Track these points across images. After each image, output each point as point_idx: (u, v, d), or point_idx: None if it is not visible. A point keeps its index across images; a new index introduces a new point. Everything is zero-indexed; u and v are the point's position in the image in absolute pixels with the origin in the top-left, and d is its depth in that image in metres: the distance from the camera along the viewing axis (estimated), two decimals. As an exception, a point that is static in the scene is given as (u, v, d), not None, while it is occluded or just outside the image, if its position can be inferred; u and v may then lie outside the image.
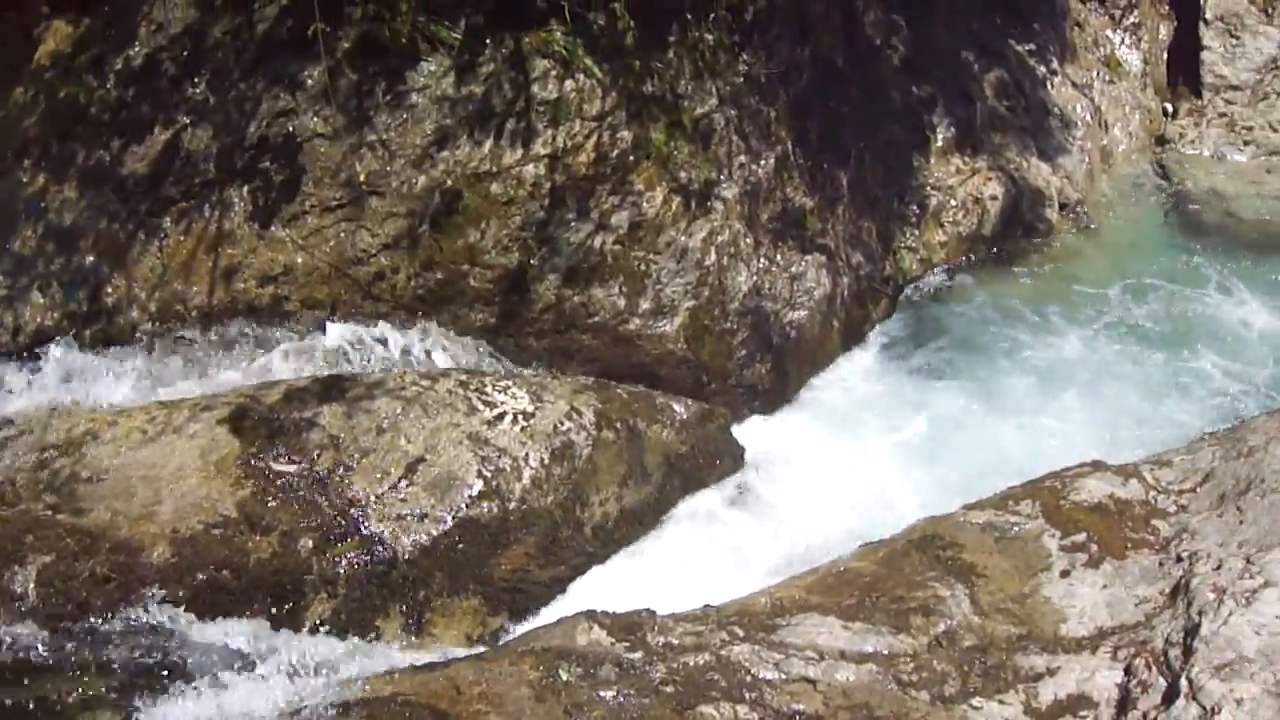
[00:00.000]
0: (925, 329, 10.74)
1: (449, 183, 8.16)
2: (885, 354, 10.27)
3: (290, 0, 7.92)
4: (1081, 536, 6.81)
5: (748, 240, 8.98)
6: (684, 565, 7.60)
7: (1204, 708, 5.15)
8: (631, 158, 8.44)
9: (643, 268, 8.47)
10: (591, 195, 8.33)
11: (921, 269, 11.38)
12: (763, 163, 9.21)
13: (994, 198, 11.93)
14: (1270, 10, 17.98)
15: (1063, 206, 12.85)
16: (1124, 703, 5.53)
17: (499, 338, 8.41)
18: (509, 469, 7.15)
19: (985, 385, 10.00)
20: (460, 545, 6.91)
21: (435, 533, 6.86)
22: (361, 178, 8.08)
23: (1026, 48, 13.79)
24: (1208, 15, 17.75)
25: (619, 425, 7.67)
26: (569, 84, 8.30)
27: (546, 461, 7.26)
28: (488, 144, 8.20)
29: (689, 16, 8.73)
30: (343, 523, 6.78)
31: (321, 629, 6.55)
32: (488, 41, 8.19)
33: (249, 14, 8.02)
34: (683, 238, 8.58)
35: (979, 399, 9.77)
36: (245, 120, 8.05)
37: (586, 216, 8.33)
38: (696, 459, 8.09)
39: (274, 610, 6.52)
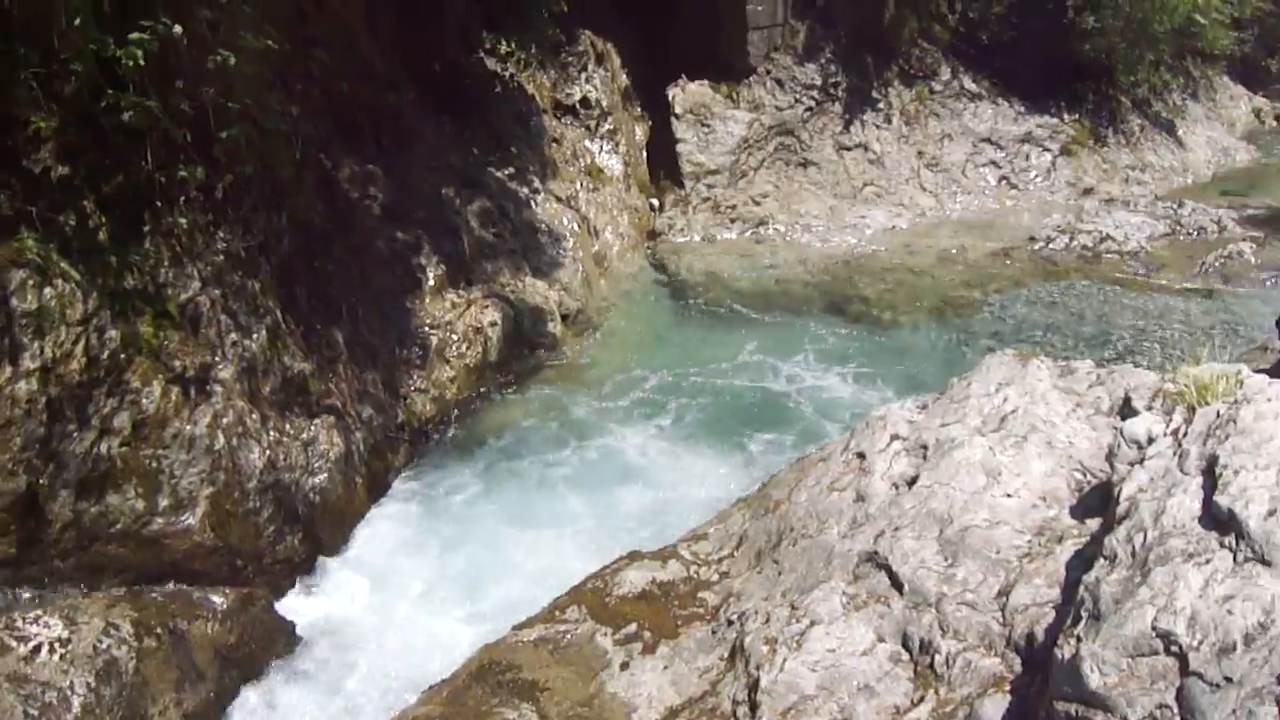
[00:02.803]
0: (449, 465, 11.32)
1: (-60, 415, 8.09)
2: (413, 498, 10.75)
3: None
4: (633, 627, 7.54)
5: (254, 417, 9.33)
6: (257, 754, 7.88)
7: (777, 754, 5.91)
8: (123, 356, 8.63)
9: (154, 465, 8.65)
10: (90, 401, 8.45)
11: (435, 408, 11.95)
12: (255, 336, 9.60)
13: (494, 324, 12.69)
14: (735, 96, 19.84)
15: (565, 317, 13.76)
16: (703, 772, 6.22)
17: (23, 567, 8.29)
18: (56, 702, 7.16)
19: (518, 505, 10.67)
20: (20, 795, 6.88)
21: (-11, 790, 6.81)
22: None
23: (507, 172, 14.78)
24: (678, 110, 19.44)
25: (159, 631, 7.83)
26: (49, 291, 8.36)
27: (93, 685, 7.32)
28: (-27, 367, 8.20)
29: (159, 204, 9.01)
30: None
31: None
32: (-42, 261, 8.21)
33: None
34: (188, 427, 8.84)
35: (513, 520, 10.39)
36: None
37: (88, 424, 8.43)
38: (248, 646, 8.32)
39: None
